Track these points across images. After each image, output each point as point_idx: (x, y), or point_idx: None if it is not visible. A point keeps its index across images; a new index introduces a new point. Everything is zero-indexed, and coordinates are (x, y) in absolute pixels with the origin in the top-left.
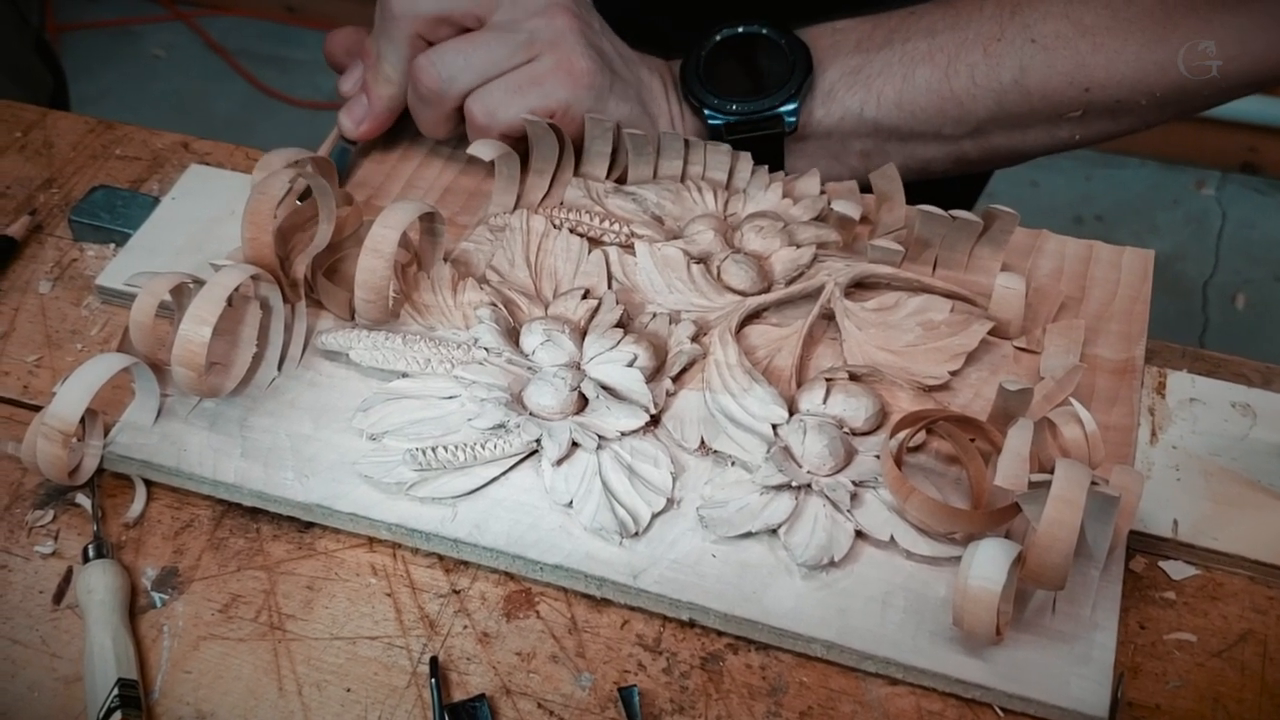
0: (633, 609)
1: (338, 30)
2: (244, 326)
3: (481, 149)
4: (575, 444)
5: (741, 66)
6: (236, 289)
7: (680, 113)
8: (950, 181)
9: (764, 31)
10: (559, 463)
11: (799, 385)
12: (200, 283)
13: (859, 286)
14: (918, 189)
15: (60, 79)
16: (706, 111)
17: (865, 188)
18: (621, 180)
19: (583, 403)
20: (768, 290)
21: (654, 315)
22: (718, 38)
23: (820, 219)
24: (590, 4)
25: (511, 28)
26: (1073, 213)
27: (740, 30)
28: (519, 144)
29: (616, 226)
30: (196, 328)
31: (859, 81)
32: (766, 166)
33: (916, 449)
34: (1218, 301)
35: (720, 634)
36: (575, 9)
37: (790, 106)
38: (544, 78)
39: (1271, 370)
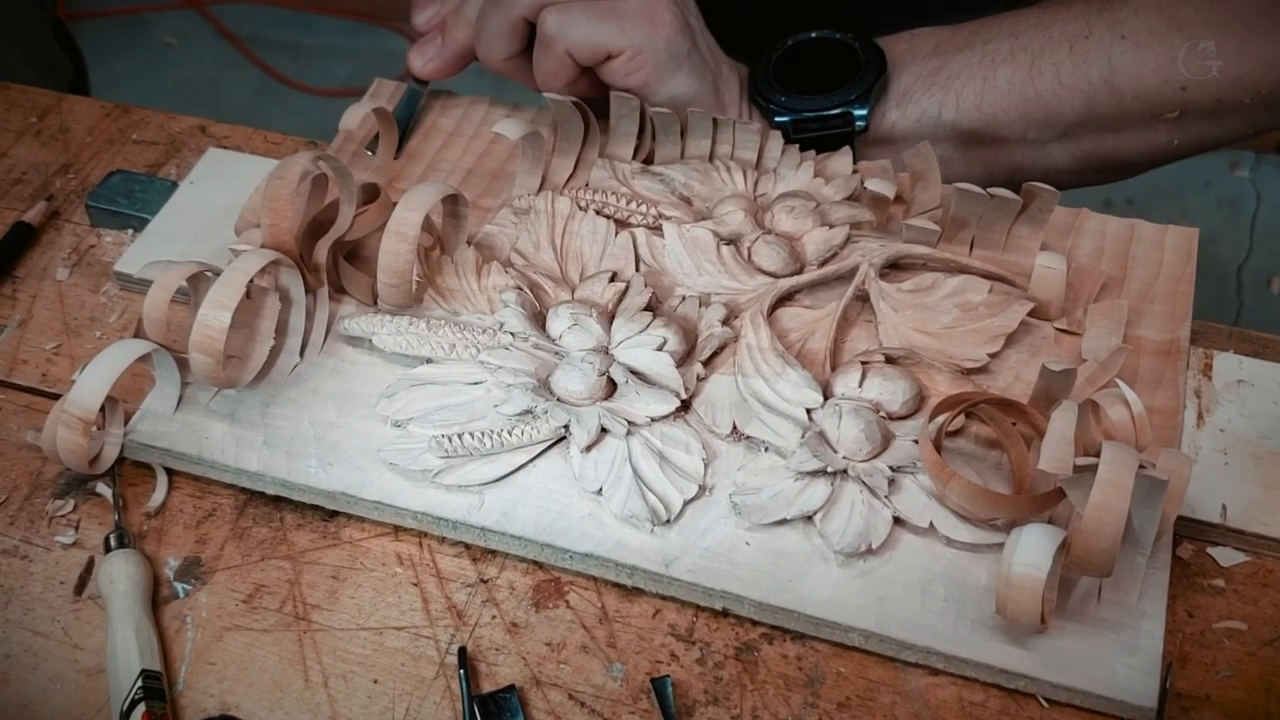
0: (665, 598)
1: None
2: (262, 319)
3: (507, 127)
4: (604, 430)
5: (815, 72)
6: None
7: (750, 112)
8: None
9: (837, 36)
10: (588, 449)
11: (833, 369)
12: (215, 272)
13: (894, 267)
14: None
15: (80, 65)
16: (773, 108)
17: (900, 167)
18: (648, 161)
19: (611, 388)
20: (800, 272)
21: (683, 298)
22: (790, 43)
23: (853, 198)
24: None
25: None
26: (1102, 196)
27: (814, 35)
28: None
29: (644, 208)
30: (215, 313)
31: (937, 83)
32: (797, 145)
33: (955, 433)
34: (1253, 286)
35: (755, 623)
36: None
37: (860, 106)
38: (626, 14)
39: None
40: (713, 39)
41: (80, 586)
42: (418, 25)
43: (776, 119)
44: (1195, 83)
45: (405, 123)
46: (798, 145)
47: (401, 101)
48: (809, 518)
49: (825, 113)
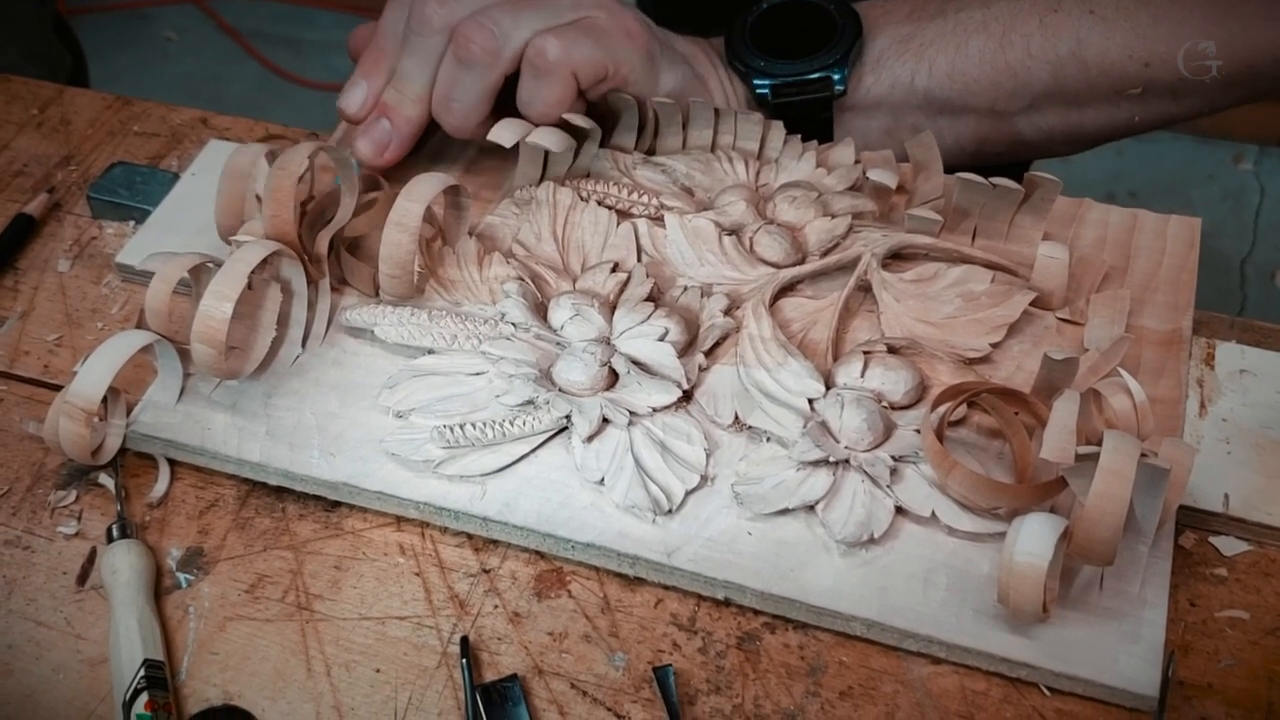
0: (667, 588)
1: (362, 28)
2: (263, 311)
3: (501, 134)
4: (606, 420)
5: (791, 36)
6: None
7: (729, 79)
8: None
9: None
10: (590, 439)
11: (835, 359)
12: (217, 264)
13: (896, 257)
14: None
15: (80, 58)
16: (752, 73)
17: (902, 157)
18: (650, 151)
19: (613, 378)
20: (802, 262)
21: (685, 288)
22: (765, 6)
23: (855, 188)
24: None
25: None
26: (1105, 189)
27: None
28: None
29: (645, 198)
30: (217, 304)
31: (910, 50)
32: (799, 135)
33: (958, 423)
34: (1256, 279)
35: (757, 613)
36: None
37: (839, 70)
38: (606, 32)
39: None
40: (661, 28)
41: (83, 577)
42: (351, 113)
43: (755, 82)
44: (1159, 60)
45: None
46: (783, 118)
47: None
48: (811, 507)
49: (805, 77)
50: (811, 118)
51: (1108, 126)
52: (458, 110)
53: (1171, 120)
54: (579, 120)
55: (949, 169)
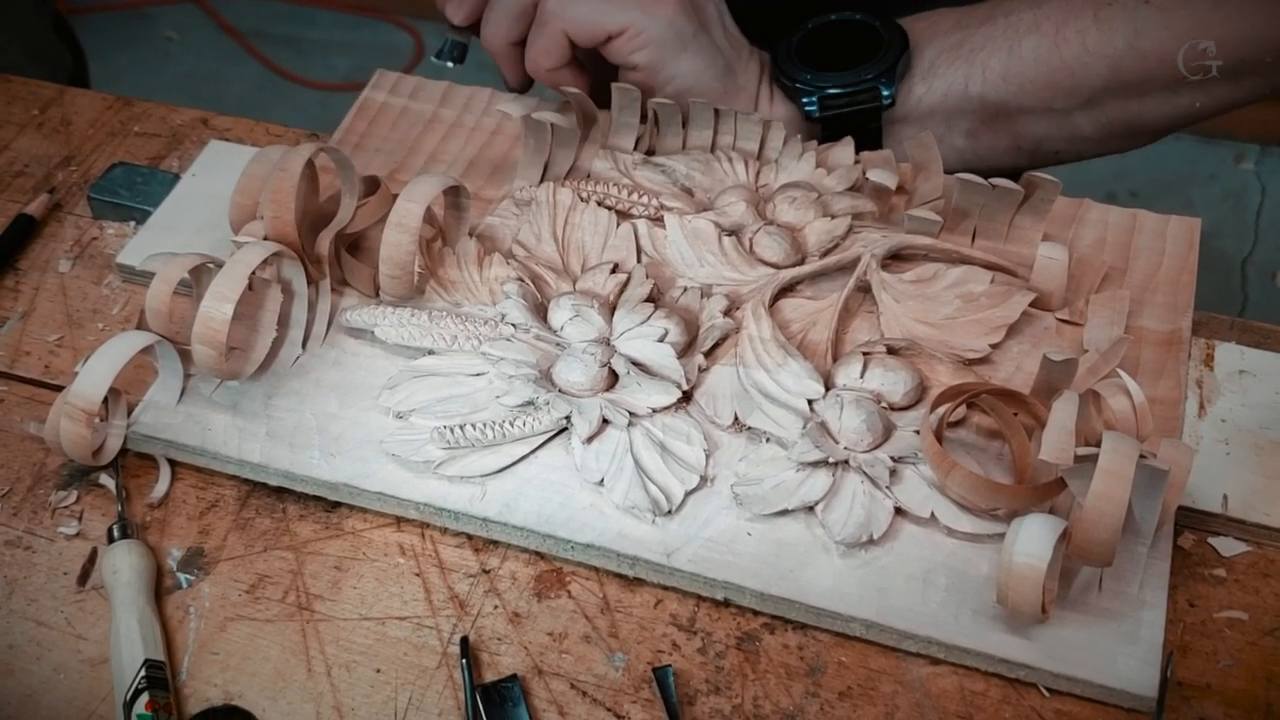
0: (666, 588)
1: None
2: (264, 311)
3: (511, 106)
4: (606, 421)
5: (837, 54)
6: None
7: (770, 95)
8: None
9: (857, 17)
10: (589, 440)
11: (835, 360)
12: (218, 264)
13: (896, 258)
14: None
15: (80, 58)
16: (798, 87)
17: (902, 157)
18: (650, 151)
19: (613, 379)
20: (802, 262)
21: (685, 289)
22: (810, 25)
23: (855, 189)
24: None
25: None
26: (1106, 189)
27: (833, 18)
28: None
29: (645, 199)
30: (218, 305)
31: (961, 56)
32: (799, 135)
33: (957, 424)
34: (1257, 279)
35: (756, 613)
36: None
37: (886, 81)
38: None
39: None
40: (734, 27)
41: (84, 577)
42: None
43: (803, 99)
44: (1219, 44)
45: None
46: (832, 131)
47: (447, 54)
48: (810, 508)
49: (851, 89)
50: (861, 129)
51: (1169, 116)
52: (493, 18)
53: (1233, 104)
54: (552, 118)
55: (1007, 172)
